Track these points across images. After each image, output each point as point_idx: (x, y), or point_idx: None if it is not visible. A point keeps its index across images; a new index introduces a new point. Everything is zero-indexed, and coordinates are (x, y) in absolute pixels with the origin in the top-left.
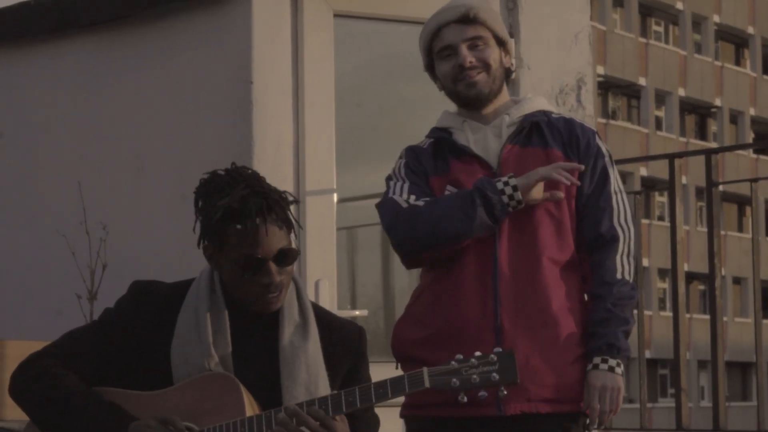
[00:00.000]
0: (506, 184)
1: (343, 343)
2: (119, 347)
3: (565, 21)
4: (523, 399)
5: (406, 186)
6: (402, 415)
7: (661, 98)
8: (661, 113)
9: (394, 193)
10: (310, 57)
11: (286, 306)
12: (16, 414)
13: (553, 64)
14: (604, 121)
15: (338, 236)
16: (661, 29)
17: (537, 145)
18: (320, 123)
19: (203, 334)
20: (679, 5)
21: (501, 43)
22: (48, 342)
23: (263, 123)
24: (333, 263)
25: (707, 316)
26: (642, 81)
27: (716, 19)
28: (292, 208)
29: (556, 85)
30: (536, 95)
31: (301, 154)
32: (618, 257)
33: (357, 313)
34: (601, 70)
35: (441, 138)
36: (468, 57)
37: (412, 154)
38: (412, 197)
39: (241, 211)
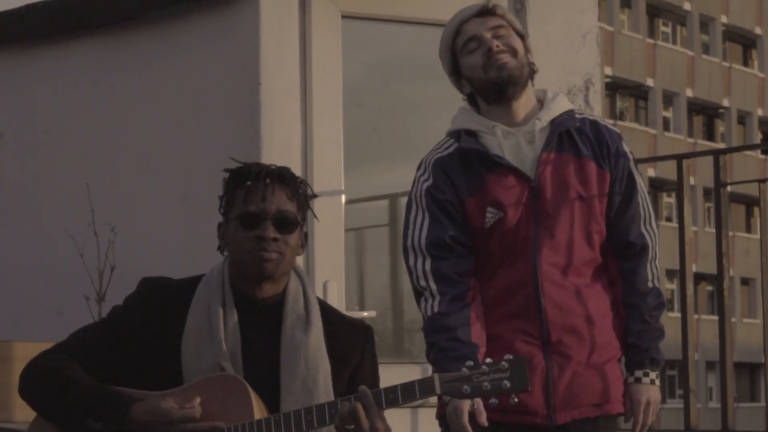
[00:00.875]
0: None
1: (349, 338)
2: (128, 344)
3: (572, 22)
4: (572, 406)
5: (426, 223)
6: (438, 416)
7: (668, 99)
8: (669, 114)
9: (412, 231)
10: (318, 58)
11: (291, 300)
12: (24, 415)
13: (561, 65)
14: (612, 122)
15: (346, 237)
16: (668, 30)
17: (570, 152)
18: (328, 124)
19: (215, 328)
20: (687, 6)
21: (521, 37)
22: (55, 343)
23: (271, 124)
24: (341, 264)
25: (715, 317)
26: (650, 82)
27: (724, 19)
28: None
29: (564, 86)
30: (557, 93)
31: (309, 155)
32: (648, 264)
33: (365, 314)
34: (608, 71)
35: (470, 148)
36: (495, 41)
37: (439, 173)
38: (425, 246)
39: (250, 170)
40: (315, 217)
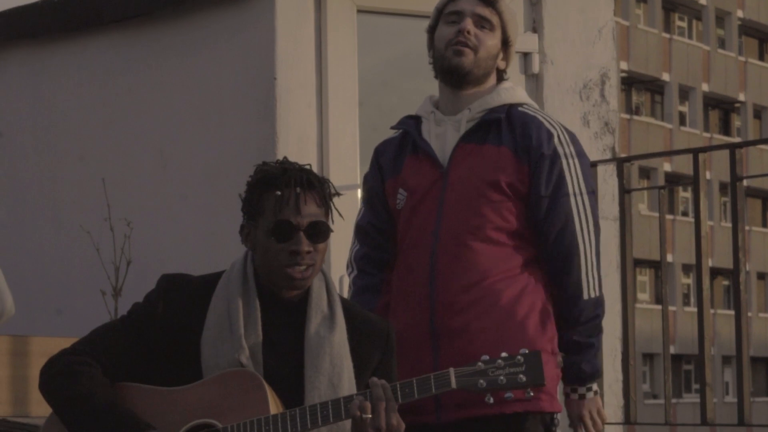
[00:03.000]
0: None
1: (371, 337)
2: (149, 341)
3: (588, 16)
4: (461, 405)
5: (361, 210)
6: None
7: (684, 93)
8: (684, 108)
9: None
10: (334, 53)
11: (315, 297)
12: (41, 410)
13: (576, 60)
14: (627, 116)
15: None
16: (684, 24)
17: (492, 143)
18: (344, 119)
19: (235, 323)
20: (703, 0)
21: (505, 43)
22: (72, 338)
23: (287, 119)
24: None
25: (732, 312)
26: (665, 76)
27: (740, 14)
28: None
29: (579, 80)
30: (511, 87)
31: (325, 149)
32: (582, 275)
33: None
34: (624, 65)
35: (408, 132)
36: (470, 27)
37: (374, 158)
38: (355, 247)
39: (280, 178)
40: (340, 215)
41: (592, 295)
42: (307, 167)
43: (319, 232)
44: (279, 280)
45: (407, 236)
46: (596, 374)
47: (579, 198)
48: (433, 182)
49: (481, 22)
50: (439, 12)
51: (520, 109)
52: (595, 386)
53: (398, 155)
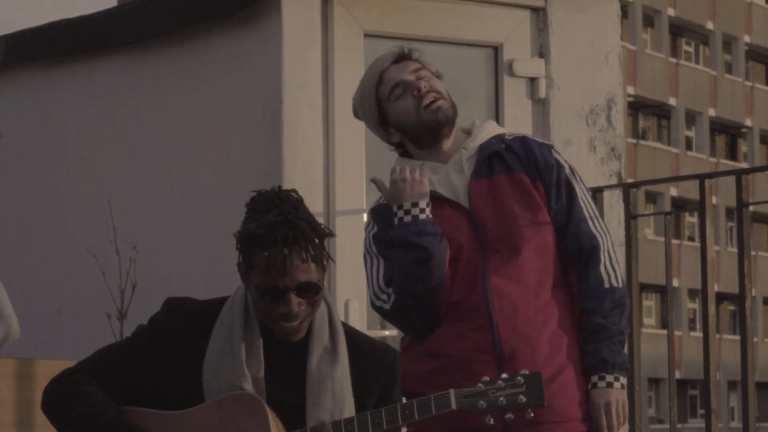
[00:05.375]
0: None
1: (375, 368)
2: (152, 363)
3: (595, 41)
4: (531, 423)
5: (381, 266)
6: None
7: (691, 118)
8: (691, 133)
9: (372, 280)
10: (341, 77)
11: (316, 330)
12: None
13: (583, 84)
14: (634, 141)
15: None
16: (691, 49)
17: (501, 172)
18: (350, 142)
19: (236, 352)
20: (710, 25)
21: (438, 77)
22: (77, 361)
23: (293, 142)
24: (362, 283)
25: (737, 337)
26: (672, 101)
27: (747, 39)
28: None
29: (586, 105)
30: (486, 121)
31: (332, 173)
32: (601, 267)
33: (386, 333)
34: (631, 90)
35: None
36: (421, 82)
37: (378, 218)
38: (389, 290)
39: (266, 238)
40: (332, 260)
41: (614, 284)
42: (299, 205)
43: (309, 289)
44: (275, 330)
45: (454, 282)
46: (623, 365)
47: (586, 202)
48: (461, 223)
49: (419, 74)
50: (378, 101)
51: (508, 137)
52: (623, 379)
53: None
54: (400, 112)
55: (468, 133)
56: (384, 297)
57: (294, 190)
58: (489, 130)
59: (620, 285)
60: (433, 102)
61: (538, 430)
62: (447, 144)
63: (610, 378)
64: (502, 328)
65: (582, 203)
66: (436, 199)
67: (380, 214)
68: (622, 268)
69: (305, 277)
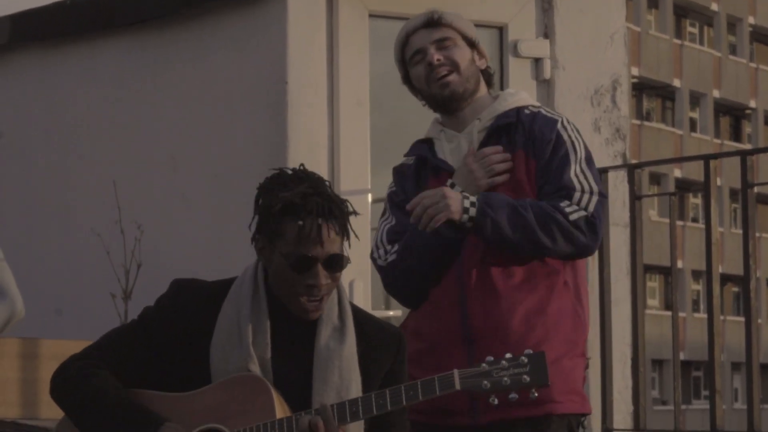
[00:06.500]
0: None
1: (381, 348)
2: (159, 345)
3: (600, 22)
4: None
5: (390, 223)
6: None
7: (695, 99)
8: (695, 115)
9: (378, 232)
10: (345, 57)
11: (326, 308)
12: (51, 413)
13: (588, 65)
14: (638, 122)
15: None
16: (695, 30)
17: (506, 149)
18: (355, 123)
19: (243, 333)
20: (714, 6)
21: (472, 45)
22: (81, 341)
23: (298, 123)
24: (367, 264)
25: (741, 318)
26: (677, 82)
27: (751, 20)
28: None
29: (591, 86)
30: (514, 92)
31: (336, 154)
32: (574, 205)
33: (391, 313)
34: (635, 71)
35: (418, 155)
36: (435, 55)
37: (398, 178)
38: (389, 246)
39: (302, 207)
40: (356, 237)
41: (574, 219)
42: (324, 181)
43: (338, 264)
44: (292, 306)
45: None
46: (484, 210)
47: (582, 176)
48: None
49: (443, 43)
50: (403, 61)
51: (526, 111)
52: (471, 209)
53: (418, 182)
54: (416, 78)
55: (495, 100)
56: (381, 252)
57: (312, 172)
58: (511, 101)
59: (578, 229)
60: (443, 77)
61: (503, 412)
62: (464, 114)
63: (474, 199)
64: (471, 306)
65: (574, 177)
66: (442, 169)
67: (399, 173)
68: (627, 249)
69: (335, 249)
